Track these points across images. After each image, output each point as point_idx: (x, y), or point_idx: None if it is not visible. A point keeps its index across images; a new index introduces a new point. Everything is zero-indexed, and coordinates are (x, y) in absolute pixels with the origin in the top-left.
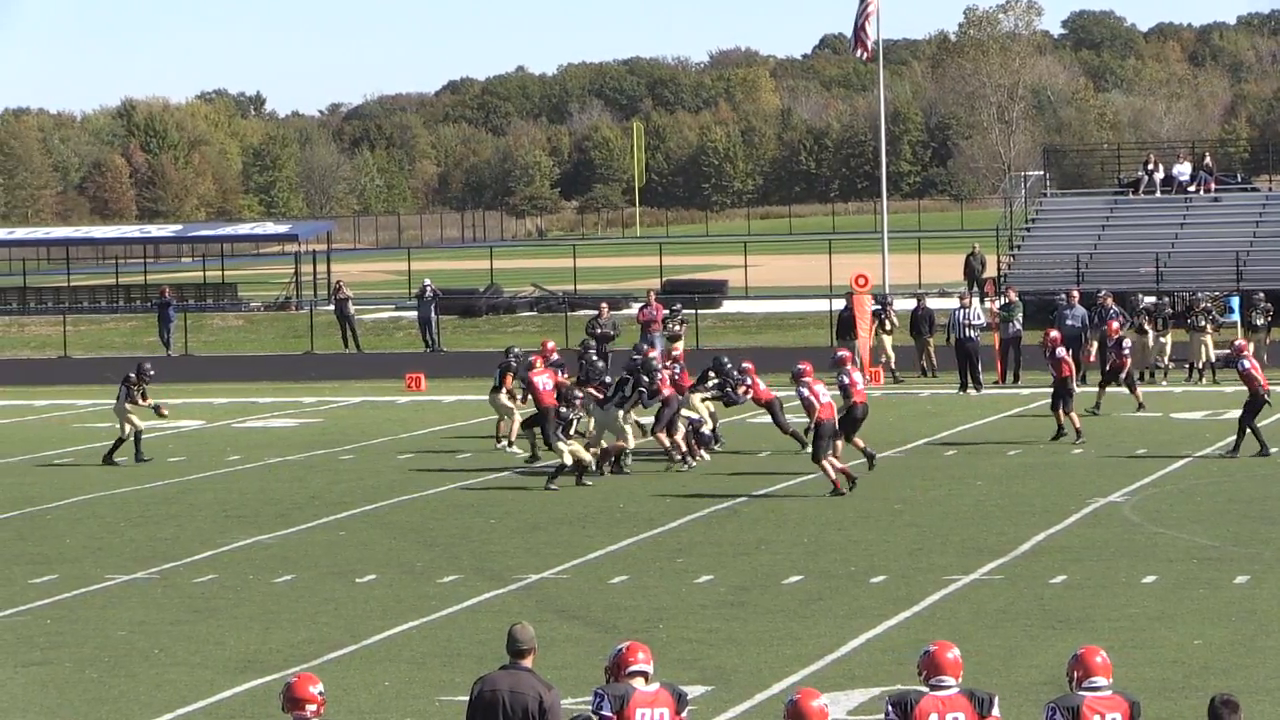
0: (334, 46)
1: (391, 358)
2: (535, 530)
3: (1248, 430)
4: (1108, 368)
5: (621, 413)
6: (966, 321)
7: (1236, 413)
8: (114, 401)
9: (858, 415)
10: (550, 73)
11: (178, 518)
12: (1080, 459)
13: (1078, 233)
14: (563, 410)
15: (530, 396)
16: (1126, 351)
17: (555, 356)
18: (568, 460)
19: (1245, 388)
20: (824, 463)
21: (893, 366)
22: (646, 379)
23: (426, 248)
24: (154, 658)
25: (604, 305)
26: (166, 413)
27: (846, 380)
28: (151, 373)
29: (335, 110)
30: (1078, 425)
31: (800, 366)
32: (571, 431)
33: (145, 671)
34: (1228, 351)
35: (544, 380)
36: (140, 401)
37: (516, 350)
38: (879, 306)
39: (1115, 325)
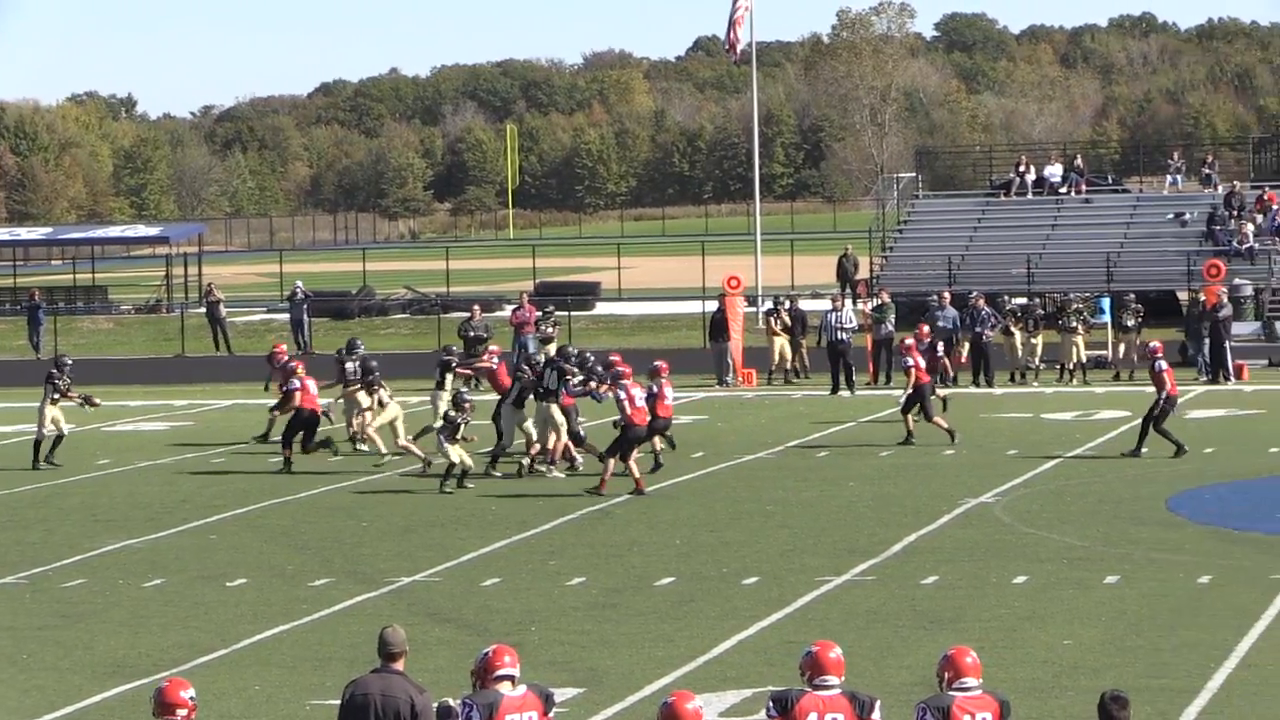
0: (206, 48)
1: (263, 360)
2: (407, 533)
3: (1153, 430)
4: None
5: (556, 406)
6: (839, 324)
7: (1108, 414)
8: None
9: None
10: (423, 74)
11: (46, 521)
12: (952, 460)
13: (950, 234)
14: (451, 414)
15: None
16: (941, 355)
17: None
18: (454, 459)
19: (1154, 388)
20: (624, 462)
21: (786, 368)
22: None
23: (299, 250)
24: (21, 663)
25: (476, 307)
26: (98, 402)
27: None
28: (69, 363)
29: (207, 112)
30: (946, 426)
31: (620, 369)
32: (458, 436)
33: (13, 677)
34: (1098, 353)
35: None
36: (67, 395)
37: (455, 348)
38: (773, 307)
39: (925, 330)
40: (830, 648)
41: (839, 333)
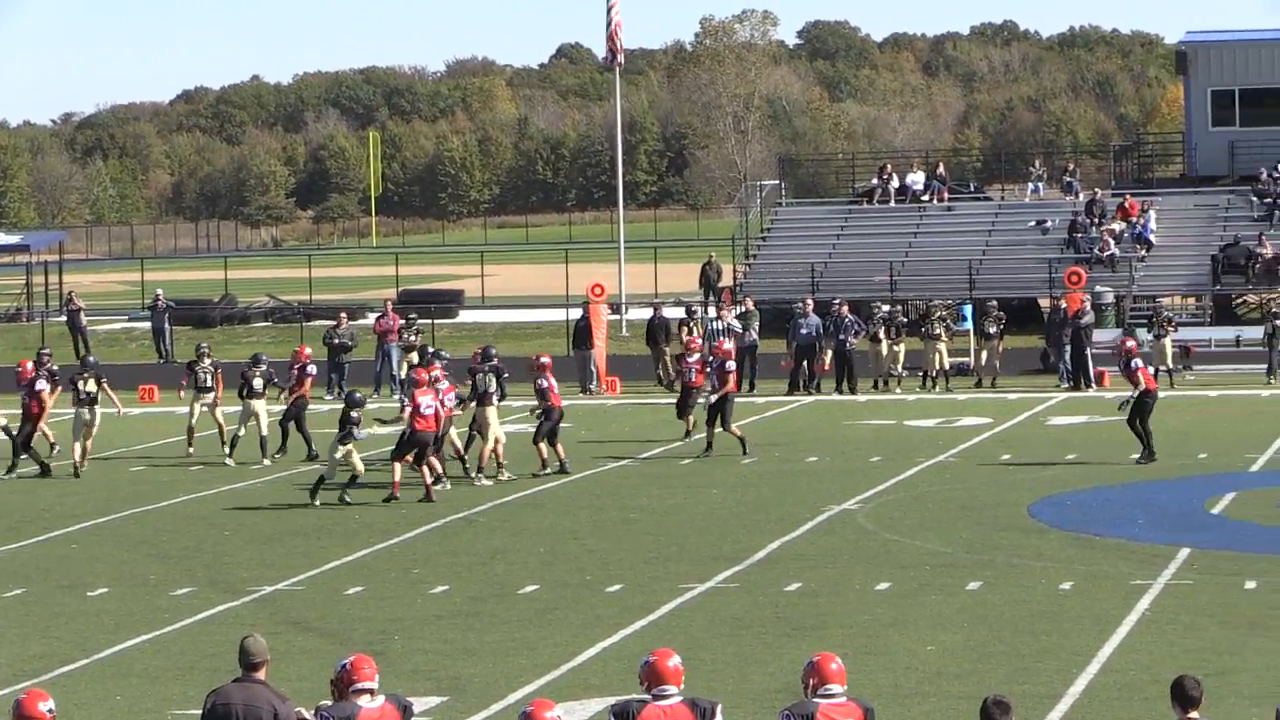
0: (66, 55)
1: (124, 369)
2: (270, 542)
3: (1141, 429)
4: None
5: (494, 410)
6: (723, 332)
7: (970, 420)
8: None
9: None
10: (286, 82)
11: None
12: (815, 466)
13: (813, 242)
14: (355, 415)
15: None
16: (730, 371)
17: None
18: (360, 469)
19: (1131, 388)
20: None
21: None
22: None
23: (160, 258)
24: None
25: (343, 315)
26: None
27: (406, 400)
28: None
29: (68, 119)
30: (739, 434)
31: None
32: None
33: None
34: (961, 360)
35: (426, 401)
36: None
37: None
38: (687, 316)
39: (727, 346)
40: (668, 656)
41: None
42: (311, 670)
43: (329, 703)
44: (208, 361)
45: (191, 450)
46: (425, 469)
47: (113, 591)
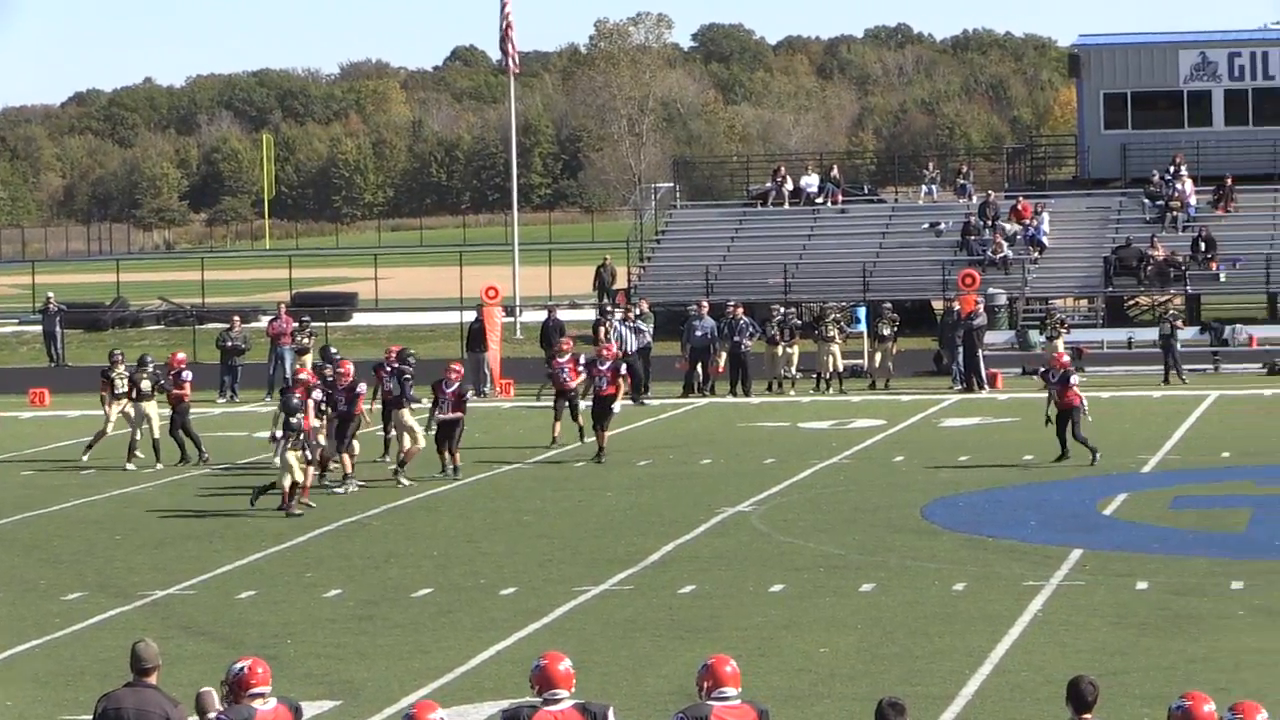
0: None
1: (15, 372)
2: (162, 546)
3: (1074, 439)
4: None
5: (407, 412)
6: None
7: (864, 422)
8: None
9: None
10: (178, 84)
11: None
12: (709, 469)
13: (707, 244)
14: (294, 422)
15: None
16: (619, 372)
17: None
18: (299, 477)
19: (1057, 400)
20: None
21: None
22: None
23: (51, 261)
24: None
25: (236, 318)
26: None
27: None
28: None
29: None
30: (603, 443)
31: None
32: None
33: None
34: (855, 362)
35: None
36: None
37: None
38: (600, 317)
39: (615, 349)
40: (559, 660)
41: (632, 342)
42: (203, 675)
43: (221, 707)
44: (122, 367)
45: (134, 460)
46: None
47: (3, 597)
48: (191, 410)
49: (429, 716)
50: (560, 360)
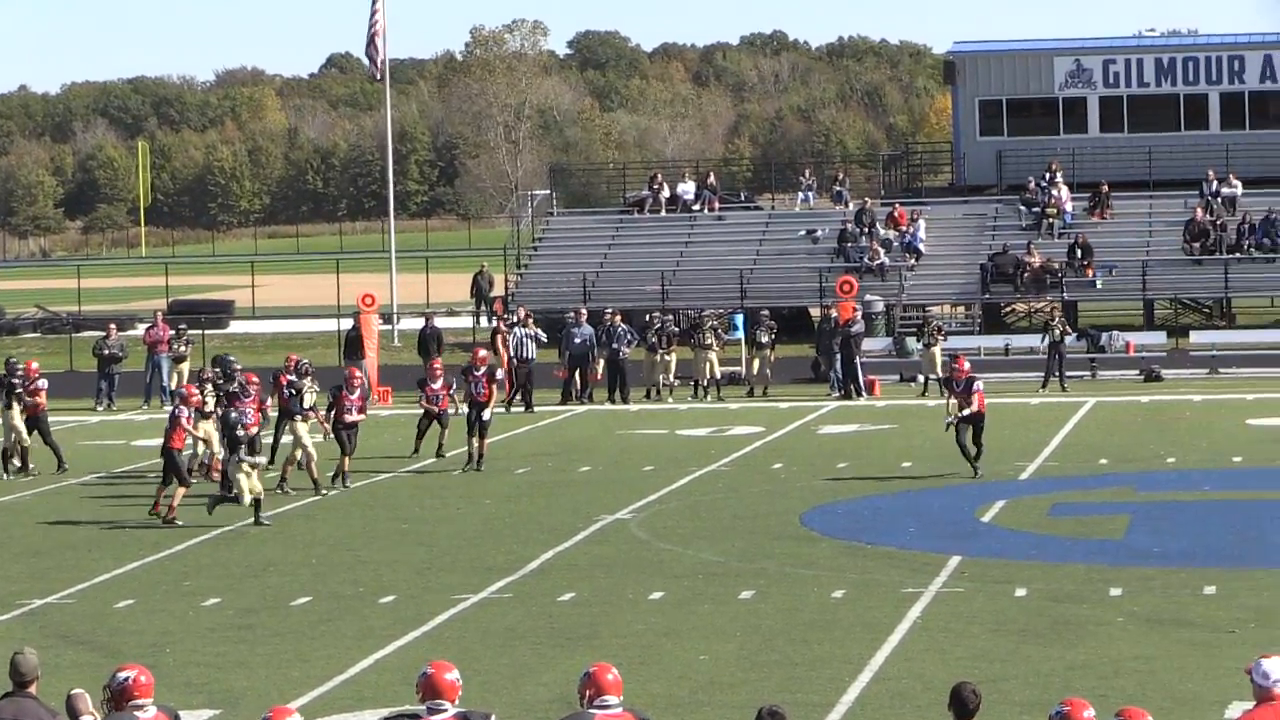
0: None
1: None
2: (38, 555)
3: (974, 443)
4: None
5: (300, 422)
6: (520, 343)
7: (742, 429)
8: None
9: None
10: (54, 91)
11: None
12: (588, 476)
13: (585, 251)
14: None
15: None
16: (494, 379)
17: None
18: (257, 487)
19: (971, 406)
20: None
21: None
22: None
23: None
24: None
25: (112, 326)
26: None
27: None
28: None
29: None
30: (482, 453)
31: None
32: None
33: None
34: (733, 369)
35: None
36: None
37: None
38: (500, 326)
39: (483, 353)
40: (446, 669)
41: (532, 349)
42: (83, 683)
43: (94, 713)
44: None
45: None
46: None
47: None
48: (51, 418)
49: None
50: (478, 374)
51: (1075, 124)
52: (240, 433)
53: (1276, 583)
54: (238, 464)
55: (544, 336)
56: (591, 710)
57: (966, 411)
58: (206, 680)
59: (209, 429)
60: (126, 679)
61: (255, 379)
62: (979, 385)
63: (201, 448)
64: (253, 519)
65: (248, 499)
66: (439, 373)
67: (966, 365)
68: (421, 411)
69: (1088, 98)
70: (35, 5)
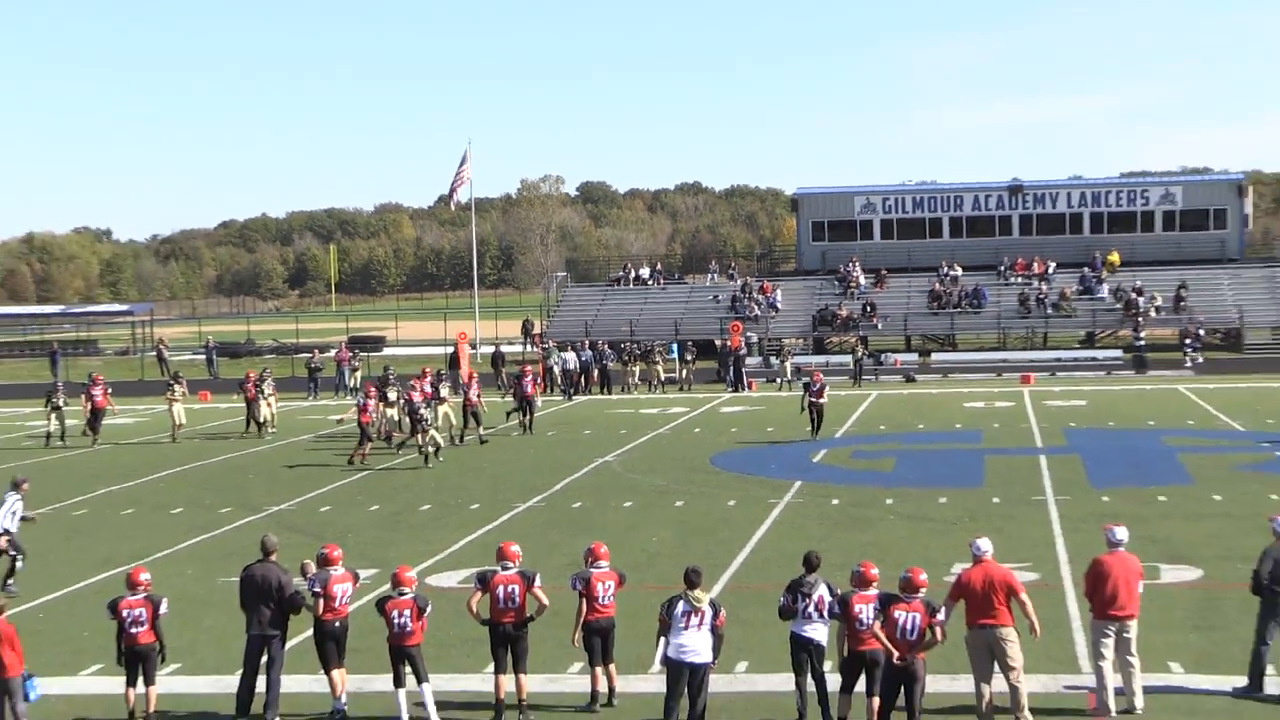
0: (164, 186)
1: (191, 381)
2: (276, 480)
3: (818, 419)
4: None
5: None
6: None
7: (677, 409)
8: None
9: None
10: (281, 215)
11: None
12: (589, 437)
13: (586, 308)
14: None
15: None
16: (536, 380)
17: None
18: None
19: (821, 399)
20: None
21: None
22: None
23: (210, 318)
24: None
25: (316, 350)
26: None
27: None
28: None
29: (154, 238)
30: (531, 423)
31: None
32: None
33: None
34: (671, 375)
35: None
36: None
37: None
38: (543, 352)
39: (528, 371)
40: (511, 544)
41: (572, 362)
42: (303, 555)
43: (313, 573)
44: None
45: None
46: None
47: (185, 510)
48: (279, 404)
49: (407, 575)
50: (525, 379)
51: (866, 234)
52: (421, 413)
53: (982, 496)
54: (424, 430)
55: (572, 358)
56: (590, 569)
57: (821, 400)
58: (371, 553)
59: (390, 411)
60: (326, 552)
61: (425, 379)
62: (825, 387)
63: (382, 420)
64: (424, 461)
65: (432, 448)
66: (529, 371)
67: (820, 375)
68: (512, 398)
69: (873, 219)
70: (265, 155)
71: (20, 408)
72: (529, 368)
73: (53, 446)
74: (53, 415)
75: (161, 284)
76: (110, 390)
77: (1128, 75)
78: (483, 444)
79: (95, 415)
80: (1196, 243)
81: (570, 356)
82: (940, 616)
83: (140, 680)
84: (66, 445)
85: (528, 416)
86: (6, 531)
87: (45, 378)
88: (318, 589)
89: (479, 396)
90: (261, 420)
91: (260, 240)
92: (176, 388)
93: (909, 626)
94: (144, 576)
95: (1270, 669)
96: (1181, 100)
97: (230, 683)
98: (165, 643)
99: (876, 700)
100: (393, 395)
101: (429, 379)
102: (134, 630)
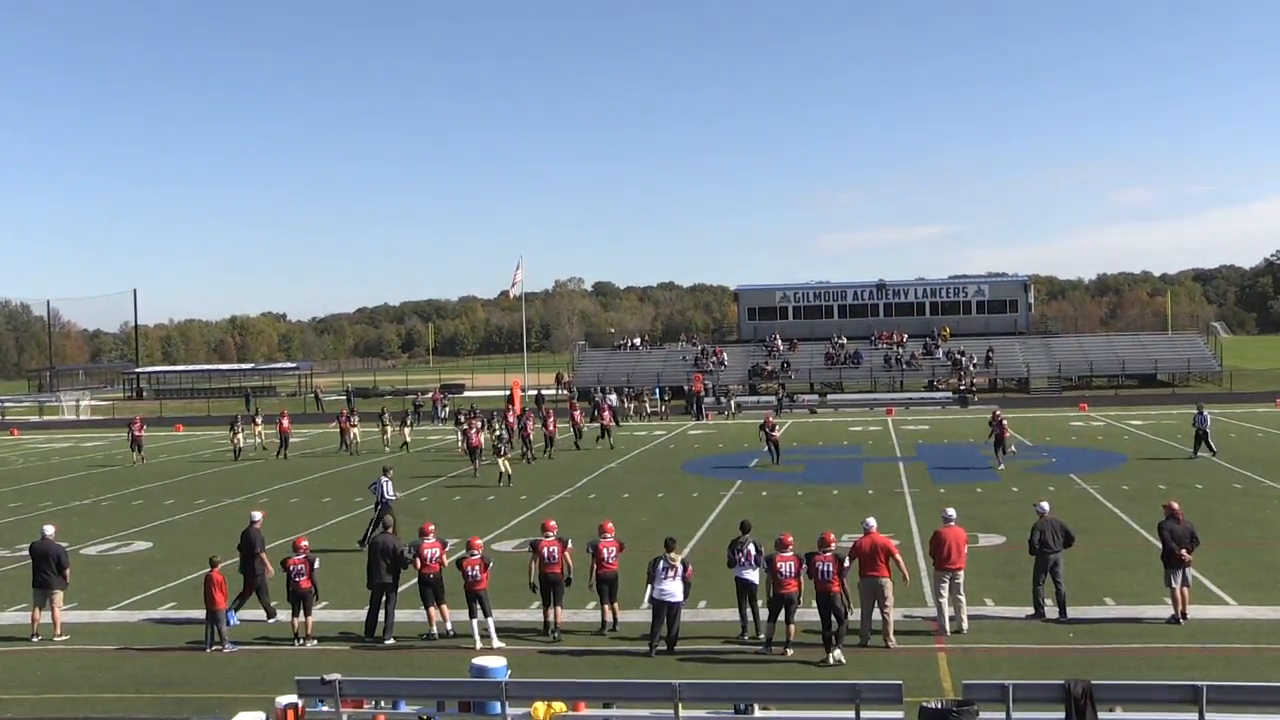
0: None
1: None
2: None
3: (775, 447)
4: None
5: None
6: None
7: (659, 433)
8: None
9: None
10: (395, 304)
11: None
12: (601, 452)
13: (600, 365)
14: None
15: None
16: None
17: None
18: (504, 468)
19: (776, 434)
20: None
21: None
22: None
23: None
24: None
25: (419, 391)
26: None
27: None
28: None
29: (314, 318)
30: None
31: None
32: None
33: None
34: (655, 410)
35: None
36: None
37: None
38: (591, 394)
39: (578, 409)
40: (550, 519)
41: (614, 399)
42: (411, 533)
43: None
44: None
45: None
46: None
47: (333, 500)
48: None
49: (476, 542)
50: (576, 415)
51: (783, 316)
52: (499, 443)
53: (860, 490)
54: (503, 456)
55: (614, 398)
56: (600, 538)
57: (775, 435)
58: (452, 528)
59: (484, 436)
60: (425, 526)
61: (511, 415)
62: (778, 426)
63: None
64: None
65: (505, 471)
66: (577, 408)
67: (772, 417)
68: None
69: (789, 306)
70: (386, 259)
71: (225, 431)
72: (579, 404)
73: (244, 459)
74: (239, 435)
75: (318, 350)
76: (290, 418)
77: (953, 214)
78: (530, 462)
79: (283, 438)
80: (999, 322)
81: (614, 397)
82: (846, 565)
83: (301, 612)
84: (251, 458)
85: (610, 437)
86: (387, 500)
87: (243, 411)
88: (413, 554)
89: (530, 426)
90: (350, 441)
91: (383, 320)
92: (351, 417)
93: (826, 571)
94: (304, 543)
95: (1048, 601)
96: (989, 228)
97: (361, 614)
98: (319, 587)
99: (792, 627)
100: (480, 423)
101: (510, 414)
102: (297, 579)
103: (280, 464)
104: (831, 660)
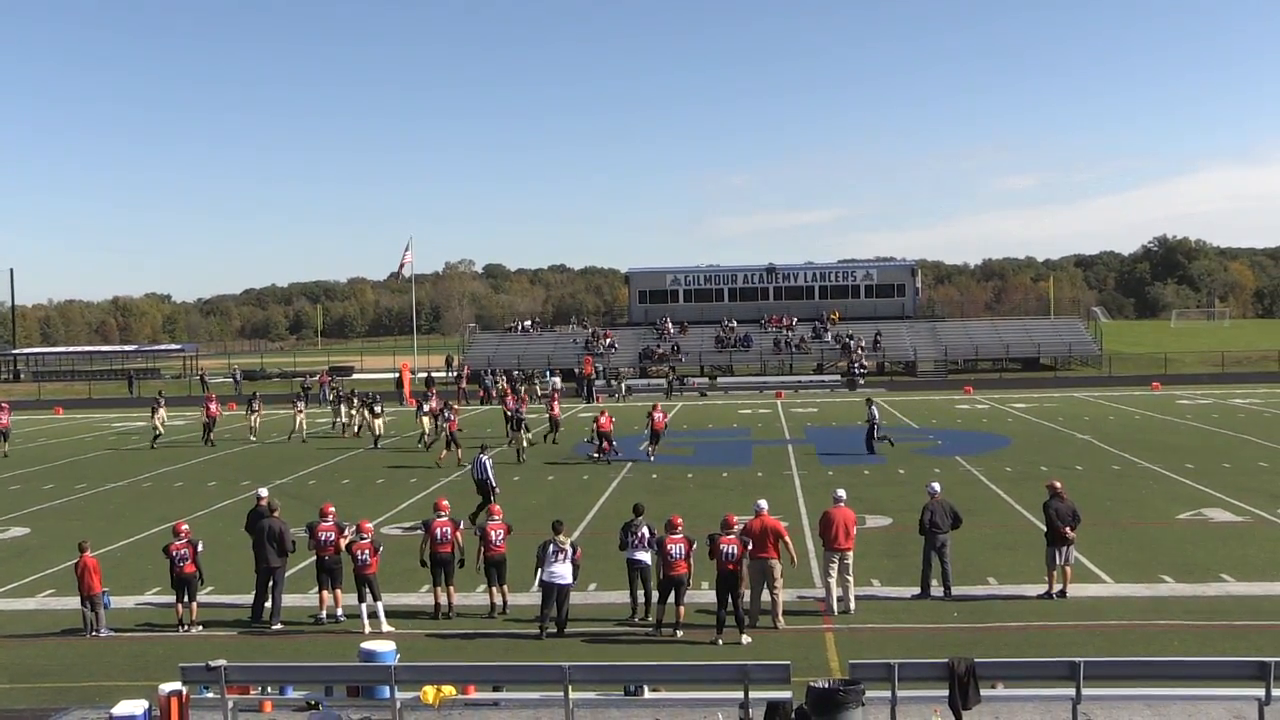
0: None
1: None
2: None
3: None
4: None
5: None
6: None
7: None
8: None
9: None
10: (284, 285)
11: None
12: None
13: (489, 348)
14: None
15: None
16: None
17: None
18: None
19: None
20: None
21: None
22: None
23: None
24: None
25: (308, 374)
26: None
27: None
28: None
29: (199, 299)
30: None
31: None
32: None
33: None
34: (547, 392)
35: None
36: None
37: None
38: (526, 379)
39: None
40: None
41: (558, 383)
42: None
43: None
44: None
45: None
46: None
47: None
48: (279, 410)
49: (366, 525)
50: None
51: (674, 299)
52: (519, 419)
53: (749, 472)
54: (521, 434)
55: (558, 382)
56: (488, 521)
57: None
58: (341, 512)
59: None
60: (325, 508)
61: (435, 402)
62: (660, 416)
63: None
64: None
65: (526, 445)
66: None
67: (659, 415)
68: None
69: (679, 289)
70: (273, 239)
71: (106, 414)
72: (510, 390)
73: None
74: (160, 416)
75: (204, 331)
76: (217, 400)
77: (844, 198)
78: (427, 449)
79: (211, 423)
80: (886, 306)
81: (557, 380)
82: (749, 547)
83: (185, 598)
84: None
85: (556, 432)
86: (489, 481)
87: (125, 394)
88: (305, 534)
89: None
90: (253, 427)
91: (270, 301)
92: (253, 404)
93: (730, 552)
94: (184, 527)
95: (934, 581)
96: (877, 214)
97: (247, 599)
98: (203, 572)
99: (682, 608)
100: (427, 406)
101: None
102: (181, 564)
103: (172, 449)
104: (744, 643)
